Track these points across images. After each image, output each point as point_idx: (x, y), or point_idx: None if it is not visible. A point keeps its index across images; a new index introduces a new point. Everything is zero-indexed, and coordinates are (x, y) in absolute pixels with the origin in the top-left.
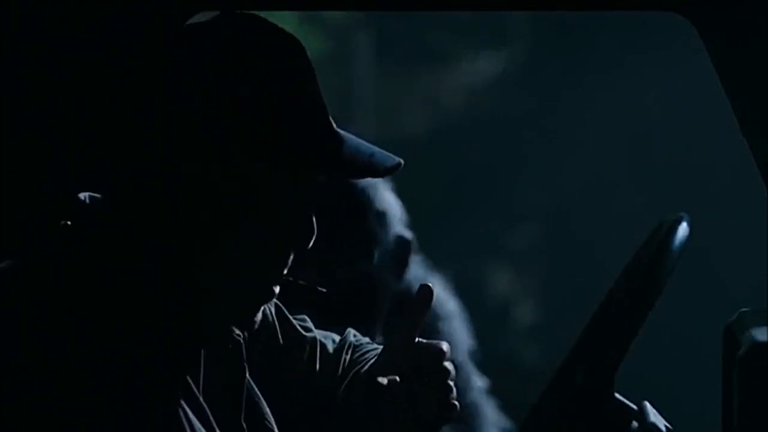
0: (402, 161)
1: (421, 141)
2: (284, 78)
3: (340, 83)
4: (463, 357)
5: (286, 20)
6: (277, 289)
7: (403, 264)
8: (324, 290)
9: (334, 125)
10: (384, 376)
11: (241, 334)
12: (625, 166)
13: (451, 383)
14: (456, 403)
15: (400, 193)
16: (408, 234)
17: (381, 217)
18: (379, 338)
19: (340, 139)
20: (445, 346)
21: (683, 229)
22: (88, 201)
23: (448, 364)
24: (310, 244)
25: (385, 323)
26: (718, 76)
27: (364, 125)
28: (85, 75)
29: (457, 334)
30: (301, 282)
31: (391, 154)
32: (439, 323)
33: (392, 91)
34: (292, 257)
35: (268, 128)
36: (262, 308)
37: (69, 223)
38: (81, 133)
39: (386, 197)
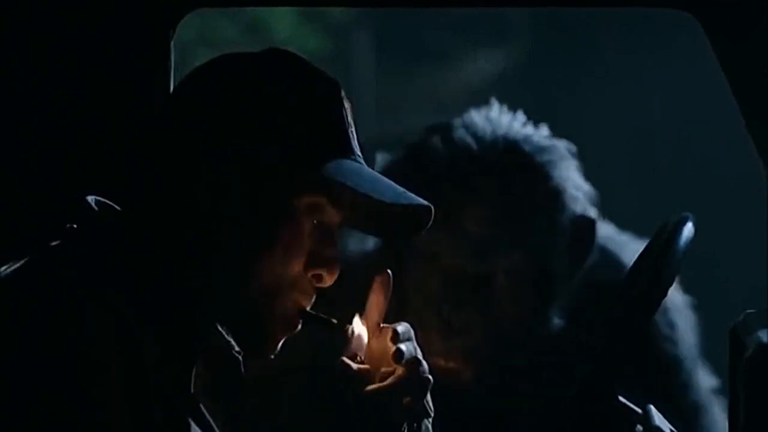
0: (432, 207)
1: None
2: (315, 111)
3: (341, 81)
4: (688, 352)
5: (285, 19)
6: (299, 323)
7: (585, 247)
8: (339, 328)
9: (362, 161)
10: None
11: (240, 351)
12: (628, 165)
13: (419, 358)
14: (429, 376)
15: None
16: (591, 214)
17: (554, 197)
18: (559, 322)
19: (366, 177)
20: (400, 327)
21: (688, 229)
22: (95, 204)
23: (402, 345)
24: (332, 281)
25: (562, 309)
26: (723, 72)
27: (364, 124)
28: (86, 75)
29: (680, 328)
30: (322, 315)
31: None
32: (668, 315)
33: (392, 89)
34: (314, 294)
35: (289, 154)
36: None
37: (75, 226)
38: (90, 136)
39: (563, 175)
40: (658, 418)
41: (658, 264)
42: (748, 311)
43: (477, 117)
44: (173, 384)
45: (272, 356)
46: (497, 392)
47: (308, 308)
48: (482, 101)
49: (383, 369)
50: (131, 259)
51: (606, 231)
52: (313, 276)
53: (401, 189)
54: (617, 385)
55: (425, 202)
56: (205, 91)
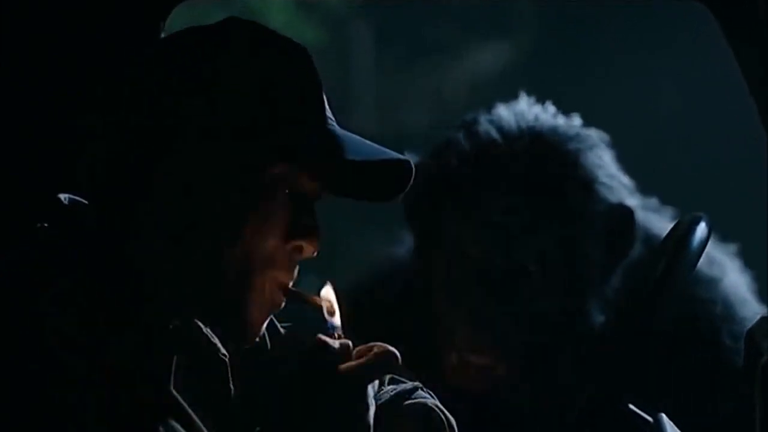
0: (411, 162)
1: (422, 134)
2: (280, 78)
3: (339, 76)
4: None
5: (282, 10)
6: (281, 301)
7: (624, 238)
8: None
9: (335, 125)
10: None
11: (226, 354)
12: (635, 162)
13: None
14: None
15: None
16: (629, 202)
17: (584, 186)
18: (601, 318)
19: (339, 137)
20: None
21: (701, 229)
22: (67, 202)
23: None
24: (315, 253)
25: (604, 304)
26: (738, 67)
27: (364, 119)
28: (76, 67)
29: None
30: (303, 292)
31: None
32: (735, 325)
33: (392, 84)
34: (296, 268)
35: (260, 125)
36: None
37: (46, 225)
38: (64, 132)
39: (594, 163)
40: (670, 427)
41: (669, 266)
42: (765, 315)
43: (503, 111)
44: (148, 379)
45: (257, 339)
46: (530, 388)
47: (290, 285)
48: (485, 97)
49: (358, 348)
50: (96, 251)
51: (661, 224)
52: (293, 249)
53: (379, 147)
54: (626, 392)
55: (404, 156)
56: (168, 67)
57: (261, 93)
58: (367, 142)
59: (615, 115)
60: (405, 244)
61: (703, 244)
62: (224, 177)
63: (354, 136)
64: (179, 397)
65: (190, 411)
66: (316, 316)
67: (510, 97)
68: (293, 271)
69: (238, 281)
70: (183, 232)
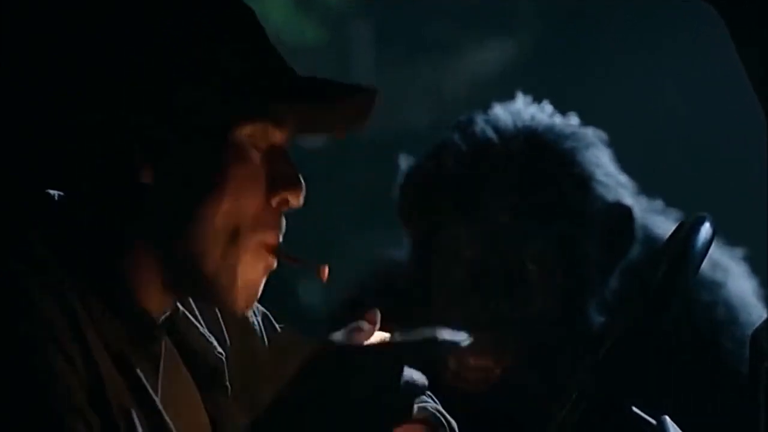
0: (375, 87)
1: (423, 134)
2: (240, 42)
3: (338, 74)
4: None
5: (281, 8)
6: (273, 262)
7: (622, 237)
8: (312, 266)
9: (289, 66)
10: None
11: (222, 352)
12: (639, 161)
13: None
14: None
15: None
16: (627, 201)
17: (580, 183)
18: (600, 319)
19: (300, 80)
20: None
21: (705, 230)
22: (57, 198)
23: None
24: (301, 201)
25: (604, 305)
26: (743, 66)
27: None
28: (66, 69)
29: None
30: (294, 256)
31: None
32: (739, 329)
33: (392, 82)
34: (281, 229)
35: (220, 87)
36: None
37: (44, 224)
38: (64, 132)
39: (591, 161)
40: (674, 430)
41: (671, 267)
42: None
43: (499, 110)
44: (134, 380)
45: (254, 305)
46: (529, 390)
47: (278, 244)
48: (486, 96)
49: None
50: (95, 250)
51: (665, 226)
52: (278, 204)
53: (338, 81)
54: (629, 394)
55: (367, 85)
56: (121, 42)
57: (219, 56)
58: (325, 78)
59: (617, 116)
60: (403, 246)
61: (707, 245)
62: (195, 145)
63: (310, 75)
64: (156, 400)
65: (166, 417)
66: (316, 316)
67: (510, 96)
68: (280, 230)
69: (222, 248)
70: (182, 228)
